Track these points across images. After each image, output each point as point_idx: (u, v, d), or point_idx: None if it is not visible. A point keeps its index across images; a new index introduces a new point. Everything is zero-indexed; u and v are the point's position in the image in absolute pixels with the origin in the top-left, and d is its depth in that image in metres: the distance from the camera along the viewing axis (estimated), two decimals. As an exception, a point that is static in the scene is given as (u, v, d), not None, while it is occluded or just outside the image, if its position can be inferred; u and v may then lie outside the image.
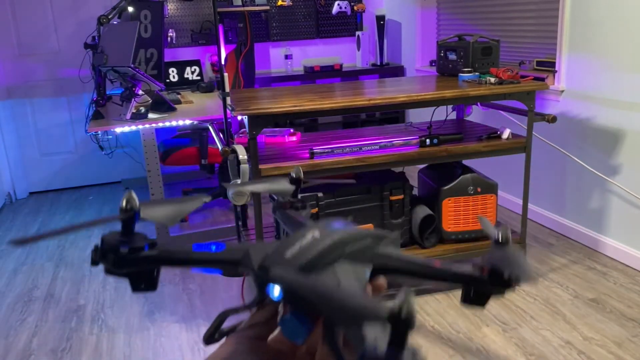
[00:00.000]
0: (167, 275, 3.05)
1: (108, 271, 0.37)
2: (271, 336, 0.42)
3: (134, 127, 2.95)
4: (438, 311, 2.53)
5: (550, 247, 3.15)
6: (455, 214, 2.60)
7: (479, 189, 2.59)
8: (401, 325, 0.28)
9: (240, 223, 2.98)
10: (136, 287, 0.37)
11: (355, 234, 0.41)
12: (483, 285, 0.40)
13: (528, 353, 2.20)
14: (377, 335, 0.28)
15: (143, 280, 0.37)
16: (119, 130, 2.95)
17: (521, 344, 2.26)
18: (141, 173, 4.82)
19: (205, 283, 2.92)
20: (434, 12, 4.60)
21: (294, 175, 0.52)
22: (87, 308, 2.75)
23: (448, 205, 2.58)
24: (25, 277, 3.12)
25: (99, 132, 3.14)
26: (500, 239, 0.42)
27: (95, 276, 3.08)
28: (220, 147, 2.48)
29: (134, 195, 0.38)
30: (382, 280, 0.41)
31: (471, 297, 0.41)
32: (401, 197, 2.55)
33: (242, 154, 2.17)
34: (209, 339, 0.42)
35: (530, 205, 3.25)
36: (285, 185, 0.51)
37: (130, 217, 0.37)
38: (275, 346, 0.42)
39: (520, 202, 2.65)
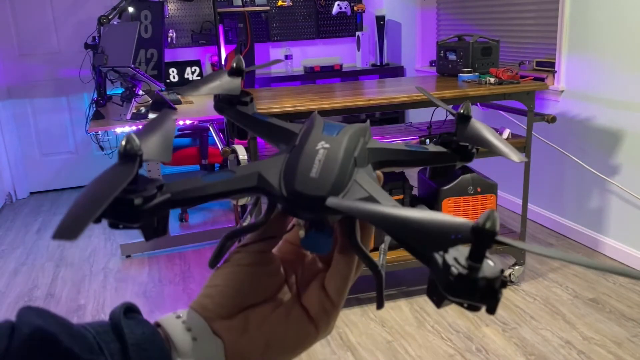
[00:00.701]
0: (167, 275, 3.05)
1: (114, 225, 0.32)
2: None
3: (134, 127, 2.95)
4: (438, 311, 2.53)
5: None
6: (455, 214, 2.60)
7: (478, 189, 2.59)
8: (483, 239, 0.29)
9: (240, 223, 2.98)
10: (150, 236, 0.35)
11: (353, 135, 0.41)
12: (451, 159, 0.45)
13: (528, 353, 2.21)
14: (455, 254, 0.29)
15: (155, 226, 0.34)
16: (119, 130, 2.96)
17: (521, 344, 2.27)
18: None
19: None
20: (433, 12, 4.60)
21: (235, 66, 0.46)
22: (87, 308, 2.75)
23: (448, 206, 2.59)
24: (26, 277, 3.12)
25: (100, 132, 3.15)
26: (463, 112, 0.45)
27: (96, 276, 3.09)
28: (220, 147, 2.49)
29: (134, 136, 0.33)
30: (380, 174, 0.43)
31: (438, 171, 0.46)
32: (401, 197, 2.55)
33: (242, 154, 2.17)
34: (214, 262, 0.41)
35: (530, 205, 3.25)
36: (228, 81, 0.46)
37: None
38: (282, 256, 0.44)
39: (520, 202, 2.65)
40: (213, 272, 0.42)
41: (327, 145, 0.38)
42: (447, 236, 0.30)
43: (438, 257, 0.30)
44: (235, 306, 0.40)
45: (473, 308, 0.30)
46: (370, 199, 0.36)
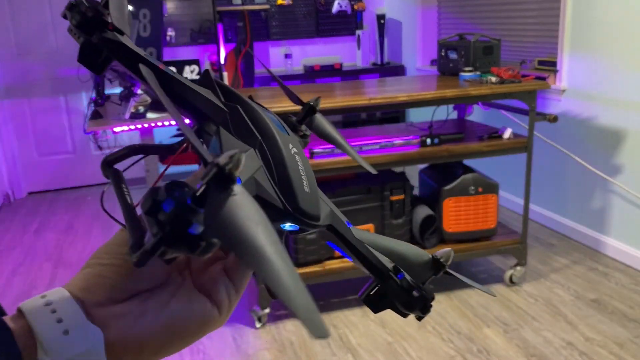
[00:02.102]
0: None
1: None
2: None
3: (132, 127, 2.93)
4: (439, 312, 2.51)
5: (552, 248, 3.13)
6: (456, 214, 2.58)
7: (480, 189, 2.57)
8: (438, 268, 0.41)
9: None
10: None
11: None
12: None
13: (529, 354, 2.19)
14: (408, 277, 0.41)
15: None
16: (117, 129, 2.93)
17: (522, 345, 2.25)
18: (140, 173, 4.80)
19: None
20: (434, 11, 4.58)
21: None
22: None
23: (449, 206, 2.57)
24: (24, 277, 3.10)
25: (98, 131, 3.13)
26: (313, 105, 0.47)
27: (94, 277, 3.07)
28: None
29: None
30: None
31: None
32: (402, 197, 2.53)
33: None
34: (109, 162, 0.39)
35: (531, 206, 3.23)
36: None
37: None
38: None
39: (522, 202, 2.63)
40: (102, 246, 0.37)
41: (296, 150, 0.38)
42: (419, 264, 0.39)
43: (394, 277, 0.39)
44: (132, 289, 0.36)
45: (405, 315, 0.41)
46: (333, 212, 0.40)
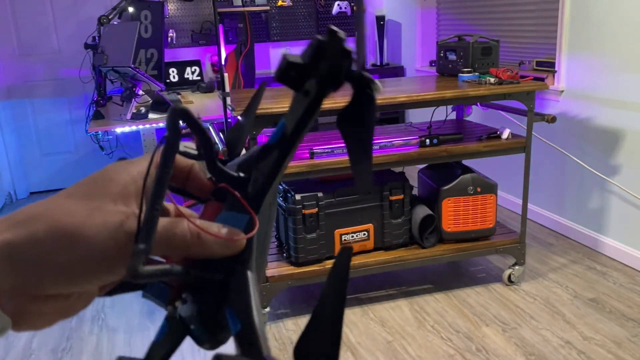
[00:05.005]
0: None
1: None
2: None
3: (134, 127, 2.95)
4: (438, 311, 2.53)
5: (550, 247, 3.15)
6: (455, 214, 2.60)
7: (478, 189, 2.59)
8: None
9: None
10: None
11: None
12: None
13: (528, 353, 2.21)
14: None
15: None
16: (119, 130, 2.96)
17: (521, 344, 2.26)
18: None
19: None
20: (433, 12, 4.60)
21: None
22: (88, 308, 2.74)
23: (448, 205, 2.59)
24: (26, 277, 3.12)
25: (100, 132, 3.15)
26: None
27: (96, 276, 3.08)
28: (220, 148, 2.48)
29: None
30: None
31: None
32: (401, 197, 2.55)
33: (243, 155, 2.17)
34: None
35: (530, 205, 3.25)
36: None
37: None
38: None
39: (520, 202, 2.65)
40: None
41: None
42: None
43: None
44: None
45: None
46: None
